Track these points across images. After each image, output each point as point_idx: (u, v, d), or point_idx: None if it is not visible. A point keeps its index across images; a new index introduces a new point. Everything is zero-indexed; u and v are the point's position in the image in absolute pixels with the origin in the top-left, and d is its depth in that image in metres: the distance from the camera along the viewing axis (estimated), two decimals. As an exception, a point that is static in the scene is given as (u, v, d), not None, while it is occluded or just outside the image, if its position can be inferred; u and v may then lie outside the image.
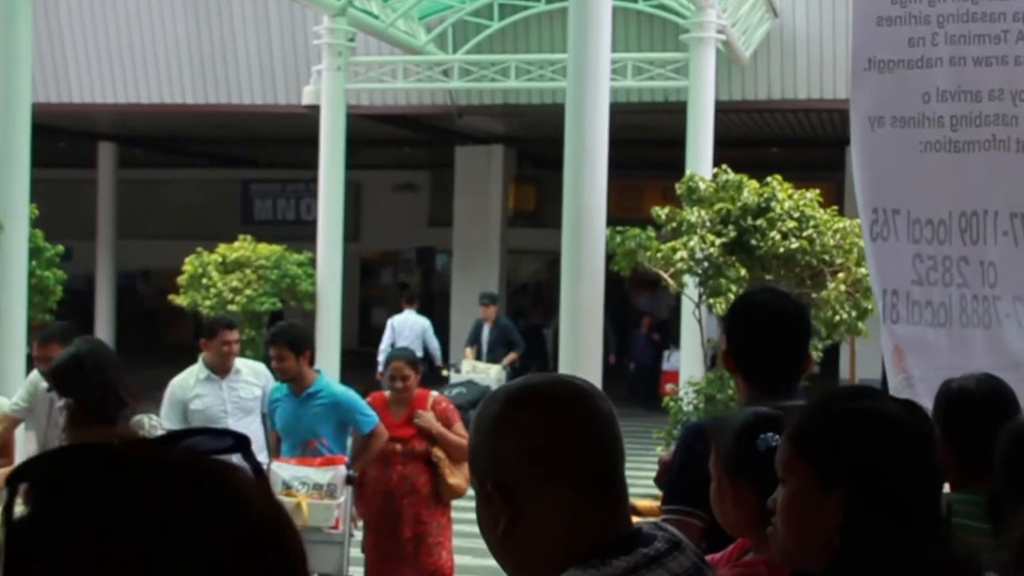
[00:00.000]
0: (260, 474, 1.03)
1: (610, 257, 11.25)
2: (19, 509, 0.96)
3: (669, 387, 12.61)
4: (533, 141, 20.70)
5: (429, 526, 7.01)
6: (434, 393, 7.30)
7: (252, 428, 7.36)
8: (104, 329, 23.33)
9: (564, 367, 10.28)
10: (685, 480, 3.08)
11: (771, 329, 3.25)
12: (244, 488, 0.99)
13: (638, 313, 21.67)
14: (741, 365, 3.30)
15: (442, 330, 18.46)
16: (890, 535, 1.94)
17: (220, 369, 7.37)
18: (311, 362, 7.21)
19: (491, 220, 21.87)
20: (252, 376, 7.44)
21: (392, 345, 15.95)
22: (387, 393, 7.18)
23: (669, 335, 19.85)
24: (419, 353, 15.12)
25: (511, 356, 15.66)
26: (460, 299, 21.01)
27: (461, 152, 21.84)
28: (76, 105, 18.64)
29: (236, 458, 1.05)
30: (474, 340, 15.92)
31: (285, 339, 7.07)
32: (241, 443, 1.05)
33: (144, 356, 15.31)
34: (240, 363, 7.50)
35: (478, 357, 15.73)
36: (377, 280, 29.40)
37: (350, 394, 7.37)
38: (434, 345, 16.29)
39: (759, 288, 3.87)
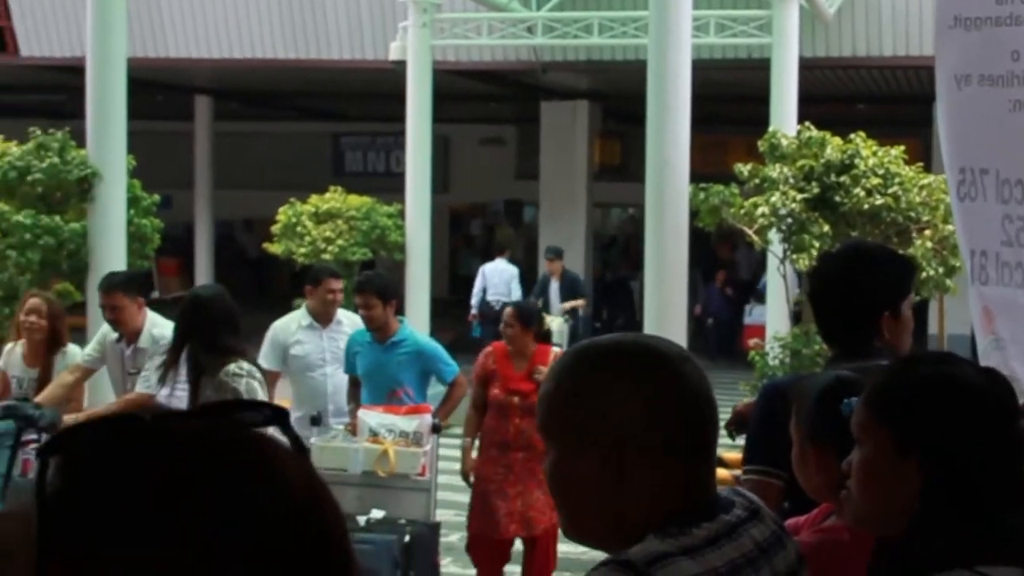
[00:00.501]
0: (300, 449, 0.99)
1: (695, 214, 11.29)
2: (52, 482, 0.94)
3: (753, 342, 12.63)
4: (618, 97, 20.67)
5: (542, 484, 6.61)
6: (556, 349, 7.17)
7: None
8: (203, 276, 23.93)
9: (649, 321, 10.36)
10: (765, 440, 3.03)
11: (835, 290, 3.20)
12: (282, 465, 0.96)
13: (728, 267, 21.63)
14: (818, 325, 3.29)
15: (529, 282, 18.68)
16: (967, 503, 1.90)
17: (323, 318, 7.44)
18: (396, 311, 7.27)
19: (577, 174, 21.92)
20: (351, 329, 7.46)
21: (483, 290, 17.07)
22: (510, 346, 7.09)
23: (751, 289, 19.82)
24: (508, 299, 15.48)
25: (577, 302, 15.77)
26: (548, 251, 21.13)
27: (546, 107, 21.88)
28: (172, 60, 18.99)
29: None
30: (541, 294, 16.09)
31: (373, 287, 7.10)
32: (278, 416, 1.00)
33: (243, 303, 15.61)
34: (342, 314, 7.56)
35: (546, 311, 15.91)
36: (467, 231, 29.66)
37: (433, 344, 7.46)
38: (517, 294, 16.60)
39: (841, 245, 3.84)
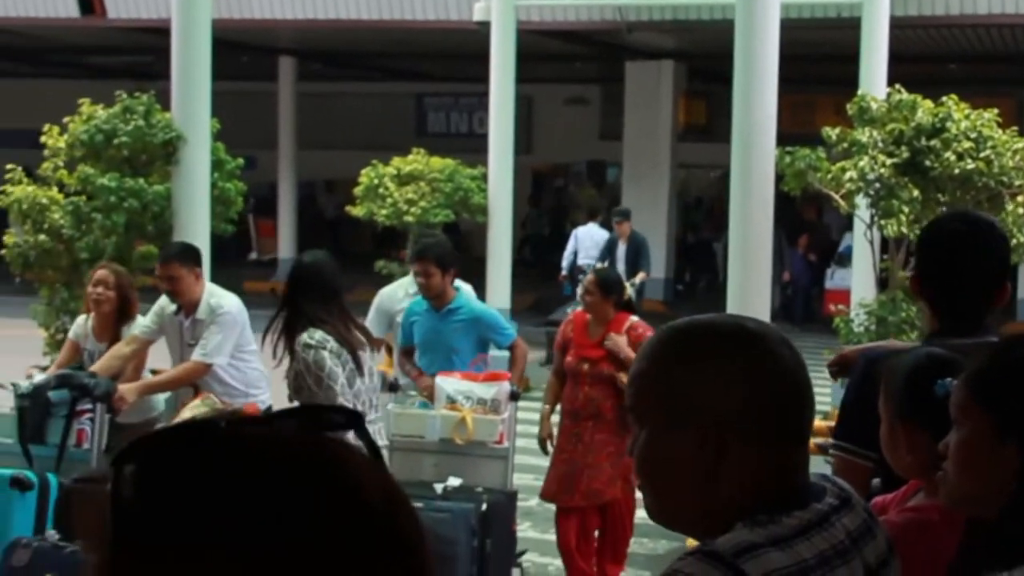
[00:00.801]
0: (375, 453, 0.99)
1: (780, 177, 11.10)
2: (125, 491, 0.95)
3: (837, 307, 12.43)
4: (704, 57, 20.42)
5: (611, 456, 6.74)
6: (633, 318, 6.99)
7: None
8: (286, 236, 24.15)
9: (732, 284, 10.23)
10: (858, 417, 2.94)
11: (958, 261, 3.06)
12: (356, 469, 0.95)
13: (815, 230, 21.33)
14: (928, 296, 3.14)
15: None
16: None
17: None
18: (454, 279, 7.19)
19: (661, 134, 21.73)
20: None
21: (575, 253, 17.42)
22: (589, 313, 7.01)
23: (833, 254, 19.55)
24: (596, 263, 15.47)
25: (641, 275, 15.67)
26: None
27: (631, 67, 21.69)
28: (257, 21, 19.09)
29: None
30: (606, 257, 16.01)
31: (432, 255, 7.03)
32: (353, 420, 1.00)
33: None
34: None
35: None
36: (549, 192, 29.60)
37: (490, 311, 7.45)
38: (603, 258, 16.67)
39: (952, 214, 3.69)
